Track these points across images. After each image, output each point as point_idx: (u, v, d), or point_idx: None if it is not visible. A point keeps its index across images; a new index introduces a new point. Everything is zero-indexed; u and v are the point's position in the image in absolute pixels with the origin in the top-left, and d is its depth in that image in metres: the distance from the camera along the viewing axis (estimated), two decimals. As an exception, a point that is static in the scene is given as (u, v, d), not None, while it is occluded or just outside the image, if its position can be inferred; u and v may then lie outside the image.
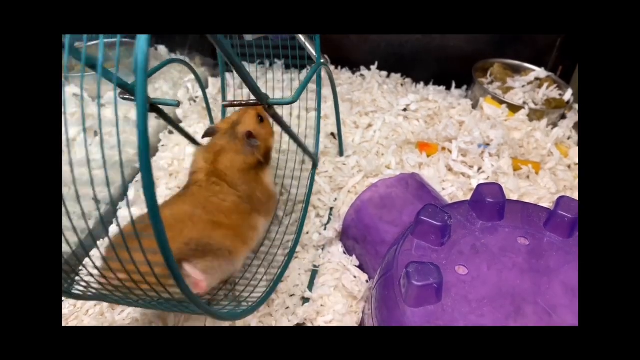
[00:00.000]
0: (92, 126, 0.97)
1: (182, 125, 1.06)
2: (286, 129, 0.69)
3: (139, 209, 0.83)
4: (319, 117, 0.87)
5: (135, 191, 0.88)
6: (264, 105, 0.58)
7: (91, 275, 0.45)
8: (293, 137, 0.72)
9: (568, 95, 1.09)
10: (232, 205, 0.63)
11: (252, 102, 0.58)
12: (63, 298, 0.70)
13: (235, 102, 0.60)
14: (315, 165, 0.87)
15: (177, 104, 0.63)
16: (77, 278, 0.46)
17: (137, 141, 0.28)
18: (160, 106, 0.64)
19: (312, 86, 0.95)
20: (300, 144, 0.76)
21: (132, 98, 0.58)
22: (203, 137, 0.71)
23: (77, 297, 0.48)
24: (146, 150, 0.29)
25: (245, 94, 1.07)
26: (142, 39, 0.27)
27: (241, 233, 0.63)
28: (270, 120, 0.73)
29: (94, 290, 0.47)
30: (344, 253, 0.78)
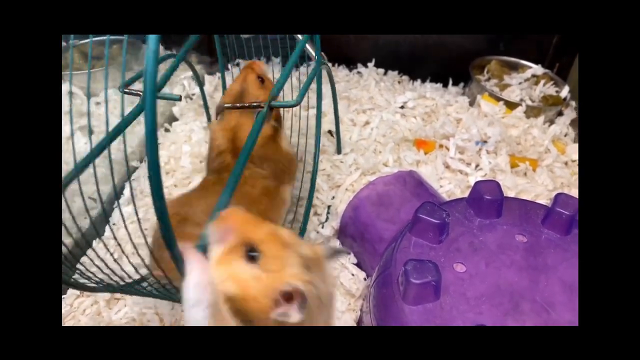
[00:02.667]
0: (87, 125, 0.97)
1: (178, 122, 1.05)
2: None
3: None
4: (319, 117, 0.87)
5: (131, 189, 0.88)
6: (266, 107, 0.57)
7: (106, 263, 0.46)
8: None
9: (565, 92, 1.09)
10: (262, 190, 0.63)
11: (254, 104, 0.58)
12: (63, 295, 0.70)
13: (238, 105, 0.60)
14: (317, 64, 0.78)
15: (179, 98, 0.62)
16: (81, 268, 0.47)
17: (145, 128, 0.29)
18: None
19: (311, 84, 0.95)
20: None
21: (135, 92, 0.58)
22: (216, 116, 0.71)
23: (80, 287, 0.48)
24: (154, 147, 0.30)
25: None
26: (152, 39, 0.29)
27: (268, 218, 0.64)
28: (270, 76, 0.72)
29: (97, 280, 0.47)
30: (342, 251, 0.77)
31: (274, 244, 0.37)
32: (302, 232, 0.78)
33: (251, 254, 0.36)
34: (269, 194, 0.64)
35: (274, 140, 0.68)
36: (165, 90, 1.10)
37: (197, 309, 0.35)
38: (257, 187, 0.64)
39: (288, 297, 0.35)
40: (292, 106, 0.58)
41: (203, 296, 0.35)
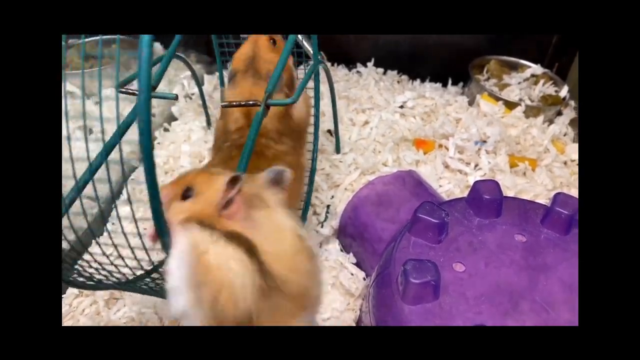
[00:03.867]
0: (87, 124, 0.96)
1: (177, 122, 1.05)
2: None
3: (134, 206, 0.82)
4: (317, 115, 0.87)
5: (130, 189, 0.87)
6: (263, 106, 0.57)
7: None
8: None
9: (564, 91, 1.09)
10: (288, 166, 0.61)
11: (251, 102, 0.57)
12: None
13: (234, 103, 0.59)
14: (315, 63, 0.76)
15: (176, 97, 0.62)
16: (79, 267, 0.47)
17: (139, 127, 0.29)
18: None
19: (309, 83, 0.94)
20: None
21: (132, 91, 0.58)
22: (229, 81, 0.69)
23: (79, 285, 0.48)
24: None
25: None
26: (145, 38, 0.29)
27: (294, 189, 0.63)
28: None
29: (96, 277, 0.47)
30: (341, 250, 0.77)
31: (203, 180, 0.42)
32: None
33: (186, 194, 0.42)
34: (293, 167, 0.63)
35: (287, 113, 0.66)
36: (164, 90, 1.11)
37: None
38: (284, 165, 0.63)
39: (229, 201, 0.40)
40: (289, 104, 0.58)
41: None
